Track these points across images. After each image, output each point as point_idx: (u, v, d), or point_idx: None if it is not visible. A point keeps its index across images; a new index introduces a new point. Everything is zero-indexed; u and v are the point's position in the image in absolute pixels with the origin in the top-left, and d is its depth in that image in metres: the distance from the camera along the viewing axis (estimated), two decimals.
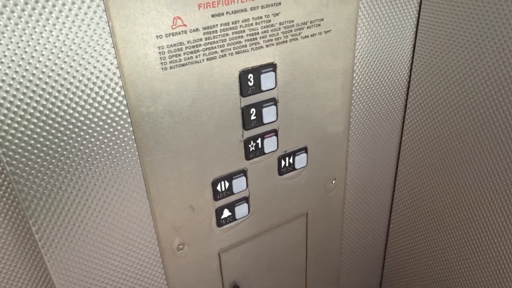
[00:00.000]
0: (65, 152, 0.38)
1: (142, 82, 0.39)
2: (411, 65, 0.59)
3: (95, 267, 0.45)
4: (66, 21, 0.33)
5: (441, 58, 0.54)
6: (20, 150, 0.36)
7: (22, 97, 0.34)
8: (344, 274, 0.73)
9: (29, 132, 0.35)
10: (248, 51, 0.43)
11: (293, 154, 0.53)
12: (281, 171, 0.53)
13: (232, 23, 0.41)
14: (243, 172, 0.50)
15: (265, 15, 0.43)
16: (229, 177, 0.49)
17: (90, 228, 0.43)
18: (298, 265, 0.65)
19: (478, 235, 0.58)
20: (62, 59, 0.34)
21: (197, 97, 0.43)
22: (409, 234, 0.70)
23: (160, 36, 0.38)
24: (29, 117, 0.35)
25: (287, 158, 0.53)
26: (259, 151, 0.50)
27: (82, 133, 0.38)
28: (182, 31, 0.39)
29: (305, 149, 0.54)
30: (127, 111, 0.39)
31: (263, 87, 0.46)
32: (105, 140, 0.40)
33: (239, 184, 0.50)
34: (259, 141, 0.49)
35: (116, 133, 0.40)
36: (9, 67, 0.32)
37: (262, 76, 0.45)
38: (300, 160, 0.54)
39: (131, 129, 0.41)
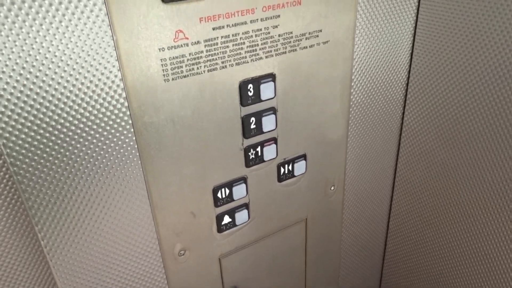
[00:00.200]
0: (70, 160, 0.39)
1: (144, 93, 0.40)
2: (408, 73, 0.60)
3: (98, 272, 0.46)
4: (73, 36, 0.34)
5: (438, 65, 0.55)
6: (26, 159, 0.37)
7: (29, 109, 0.35)
8: (343, 278, 0.75)
9: (36, 143, 0.37)
10: (248, 62, 0.45)
11: (292, 161, 0.54)
12: (281, 178, 0.54)
13: (233, 35, 0.42)
14: (243, 179, 0.51)
15: (265, 27, 0.44)
16: (230, 184, 0.50)
17: (93, 234, 0.44)
18: (298, 269, 0.66)
19: (477, 238, 0.59)
20: (68, 72, 0.36)
21: (198, 107, 0.44)
22: (408, 237, 0.71)
23: (163, 49, 0.39)
24: (35, 128, 0.36)
25: (286, 165, 0.54)
26: (259, 159, 0.51)
27: (87, 142, 0.39)
28: (184, 44, 0.40)
29: (304, 156, 0.55)
30: (130, 121, 0.41)
31: (263, 97, 0.47)
32: (109, 149, 0.41)
33: (239, 191, 0.51)
34: (258, 149, 0.50)
35: (119, 142, 0.41)
36: (17, 81, 0.34)
37: (262, 86, 0.46)
38: (299, 167, 0.55)
39: (134, 138, 0.42)
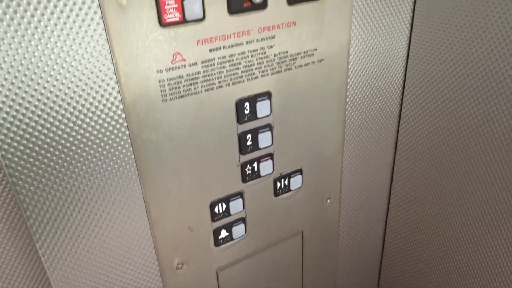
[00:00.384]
0: (70, 177, 0.40)
1: (143, 113, 0.41)
2: (403, 88, 0.61)
3: (97, 286, 0.47)
4: (74, 60, 0.36)
5: (433, 81, 0.56)
6: (27, 171, 0.38)
7: (31, 130, 0.36)
8: None
9: (37, 158, 0.38)
10: (244, 81, 0.46)
11: (289, 176, 0.55)
12: (277, 192, 0.55)
13: (229, 56, 0.44)
14: (240, 194, 0.52)
15: (260, 48, 0.45)
16: (226, 199, 0.51)
17: (92, 247, 0.45)
18: (295, 281, 0.66)
19: (475, 252, 0.59)
20: (69, 95, 0.37)
21: (195, 125, 0.45)
22: (404, 250, 0.72)
23: (161, 71, 0.40)
24: (38, 144, 0.37)
25: (282, 180, 0.55)
26: (255, 174, 0.52)
27: (87, 159, 0.40)
28: (181, 65, 0.41)
29: (300, 171, 0.56)
30: (129, 140, 0.42)
31: (259, 115, 0.48)
32: (109, 167, 0.42)
33: (236, 206, 0.52)
34: (255, 164, 0.51)
35: (119, 161, 0.42)
36: (25, 107, 0.35)
37: (258, 104, 0.48)
38: (295, 182, 0.56)
39: (133, 156, 0.43)
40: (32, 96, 0.35)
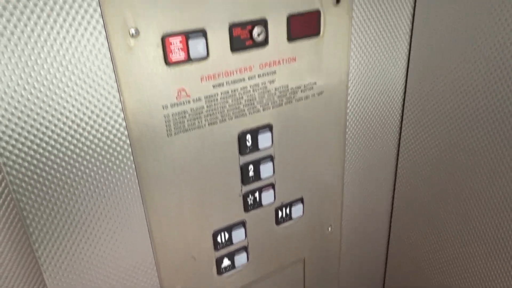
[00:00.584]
0: (76, 205, 0.41)
1: (148, 146, 0.43)
2: (401, 118, 0.63)
3: None
4: (83, 99, 0.37)
5: (430, 111, 0.58)
6: (35, 196, 0.39)
7: (44, 160, 0.38)
8: None
9: (44, 184, 0.39)
10: (246, 115, 0.47)
11: (290, 205, 0.56)
12: (279, 221, 0.56)
13: (232, 91, 0.45)
14: (242, 223, 0.53)
15: (262, 83, 0.47)
16: (229, 229, 0.52)
17: (96, 272, 0.46)
18: None
19: (480, 274, 0.60)
20: (78, 131, 0.38)
21: (199, 157, 0.46)
22: (406, 275, 0.72)
23: (166, 107, 0.42)
24: (52, 173, 0.39)
25: (284, 209, 0.56)
26: (257, 204, 0.53)
27: (96, 189, 0.42)
28: (186, 101, 0.43)
29: (301, 200, 0.57)
30: (135, 173, 0.43)
31: (260, 146, 0.50)
32: (114, 197, 0.43)
33: (238, 235, 0.53)
34: (257, 194, 0.53)
35: (125, 192, 0.43)
36: (41, 138, 0.36)
37: (260, 137, 0.49)
38: (297, 210, 0.57)
39: (138, 187, 0.44)
40: (47, 127, 0.37)
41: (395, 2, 0.53)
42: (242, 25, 0.43)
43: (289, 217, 0.57)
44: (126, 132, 0.41)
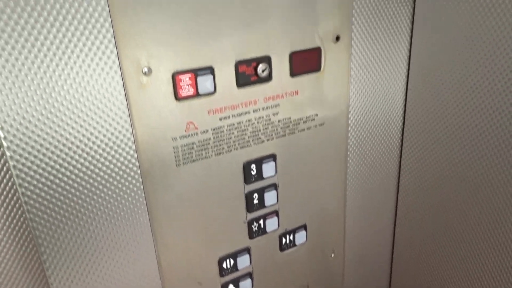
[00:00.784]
0: (88, 231, 0.43)
1: (158, 176, 0.45)
2: (401, 146, 0.65)
3: None
4: (98, 133, 0.40)
5: (429, 139, 0.60)
6: (49, 223, 0.41)
7: (60, 190, 0.40)
8: None
9: (61, 211, 0.41)
10: (251, 145, 0.50)
11: (293, 231, 0.58)
12: (282, 247, 0.58)
13: (237, 123, 0.48)
14: (247, 250, 0.55)
15: (266, 115, 0.49)
16: (234, 255, 0.54)
17: None
18: None
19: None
20: (93, 162, 0.41)
21: (206, 186, 0.49)
22: None
23: (175, 139, 0.45)
24: (67, 200, 0.41)
25: (287, 236, 0.58)
26: (262, 231, 0.55)
27: (106, 218, 0.44)
28: (194, 133, 0.45)
29: (304, 227, 0.59)
30: (144, 201, 0.45)
31: (265, 175, 0.52)
32: (125, 225, 0.45)
33: (243, 261, 0.55)
34: (261, 221, 0.54)
35: (134, 220, 0.45)
36: (60, 171, 0.39)
37: (264, 166, 0.51)
38: (300, 237, 0.59)
39: (148, 216, 0.46)
40: (63, 159, 0.39)
41: (392, 38, 0.56)
42: (247, 62, 0.45)
43: (292, 243, 0.58)
44: (137, 163, 0.43)
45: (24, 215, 0.41)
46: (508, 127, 0.49)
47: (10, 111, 0.35)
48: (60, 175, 0.40)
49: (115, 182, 0.43)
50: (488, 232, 0.55)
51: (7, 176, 0.41)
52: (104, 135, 0.40)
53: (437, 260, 0.64)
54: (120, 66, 0.39)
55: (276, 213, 0.55)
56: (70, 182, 0.40)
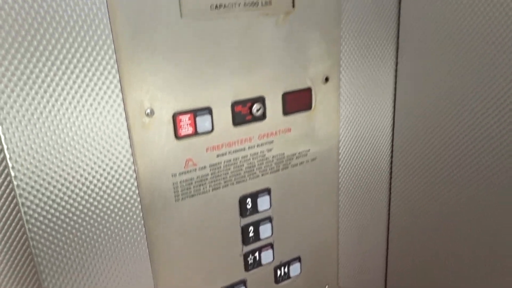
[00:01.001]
0: (90, 265, 0.45)
1: (158, 210, 0.47)
2: (390, 178, 0.68)
3: None
4: (103, 171, 0.42)
5: (417, 172, 0.63)
6: (50, 251, 0.43)
7: (61, 227, 0.42)
8: None
9: (64, 245, 0.43)
10: (246, 181, 0.52)
11: (288, 263, 0.60)
12: (277, 279, 0.59)
13: (233, 159, 0.50)
14: (243, 283, 0.56)
15: (260, 151, 0.52)
16: None
17: None
18: None
19: None
20: (96, 198, 0.43)
21: (203, 220, 0.51)
22: None
23: (175, 175, 0.47)
24: (71, 235, 0.43)
25: (282, 268, 0.59)
26: (257, 263, 0.56)
27: (108, 252, 0.45)
28: (192, 169, 0.48)
29: (298, 259, 0.60)
30: (145, 236, 0.47)
31: (260, 209, 0.54)
32: (125, 258, 0.47)
33: None
34: (257, 254, 0.56)
35: (135, 253, 0.47)
36: (63, 206, 0.41)
37: (259, 200, 0.54)
38: (294, 269, 0.60)
39: (147, 250, 0.48)
40: (69, 196, 0.41)
41: (378, 76, 0.60)
42: (242, 102, 0.49)
43: (287, 275, 0.60)
44: (138, 198, 0.45)
45: (27, 243, 0.42)
46: (493, 152, 0.52)
47: (19, 142, 0.38)
48: (65, 209, 0.42)
49: (117, 217, 0.45)
50: (481, 264, 0.57)
51: (12, 206, 0.43)
52: (108, 173, 0.43)
53: None
54: (124, 109, 0.42)
55: (271, 245, 0.57)
56: (74, 215, 0.42)
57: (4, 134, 0.37)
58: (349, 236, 0.66)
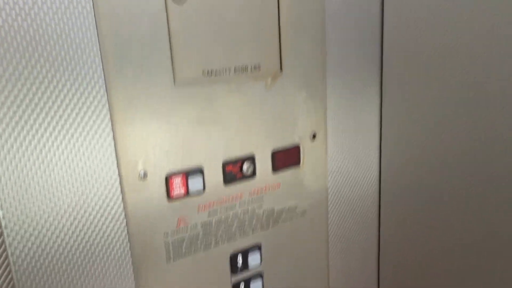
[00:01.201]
0: None
1: (149, 269, 0.47)
2: (378, 225, 0.69)
3: None
4: (95, 227, 0.43)
5: (405, 225, 0.64)
6: None
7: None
8: None
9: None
10: (237, 239, 0.53)
11: None
12: None
13: (224, 217, 0.51)
14: None
15: (251, 208, 0.53)
16: None
17: None
18: None
19: None
20: (88, 255, 0.43)
21: (194, 279, 0.50)
22: None
23: (167, 234, 0.47)
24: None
25: None
26: None
27: None
28: (184, 229, 0.48)
29: None
30: None
31: (250, 265, 0.54)
32: None
33: None
34: None
35: None
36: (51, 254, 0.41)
37: (250, 257, 0.54)
38: None
39: None
40: (60, 253, 0.41)
41: (363, 130, 0.62)
42: (233, 162, 0.50)
43: None
44: (129, 255, 0.45)
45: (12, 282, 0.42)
46: (479, 187, 0.54)
47: (12, 203, 0.38)
48: (56, 265, 0.41)
49: (108, 274, 0.45)
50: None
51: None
52: (100, 229, 0.43)
53: None
54: (118, 172, 0.43)
55: None
56: (65, 272, 0.42)
57: None
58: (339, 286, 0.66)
